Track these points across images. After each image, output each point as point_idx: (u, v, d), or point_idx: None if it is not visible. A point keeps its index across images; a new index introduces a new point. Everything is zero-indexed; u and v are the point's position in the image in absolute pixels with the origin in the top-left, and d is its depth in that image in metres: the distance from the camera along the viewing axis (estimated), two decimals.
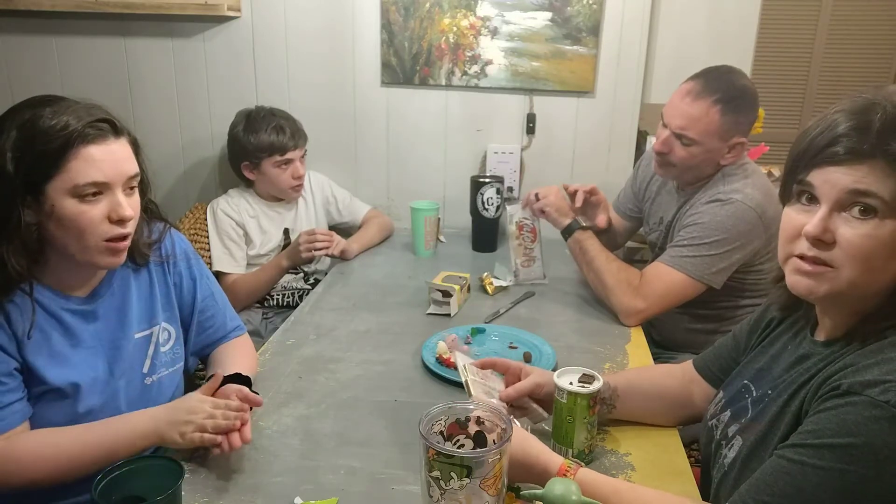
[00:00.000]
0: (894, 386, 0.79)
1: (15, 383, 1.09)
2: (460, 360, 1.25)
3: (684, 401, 1.25)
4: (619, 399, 1.24)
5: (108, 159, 1.08)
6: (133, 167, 1.13)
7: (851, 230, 0.84)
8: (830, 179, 0.85)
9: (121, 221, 1.11)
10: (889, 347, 0.84)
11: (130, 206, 1.12)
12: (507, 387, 1.23)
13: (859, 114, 0.85)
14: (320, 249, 2.07)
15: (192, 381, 1.47)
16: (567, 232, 1.84)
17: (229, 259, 2.13)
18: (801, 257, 0.88)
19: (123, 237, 1.13)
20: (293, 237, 2.22)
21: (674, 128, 1.66)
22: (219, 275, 2.11)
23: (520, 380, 1.23)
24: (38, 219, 1.07)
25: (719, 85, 1.63)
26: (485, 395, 1.17)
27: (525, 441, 1.00)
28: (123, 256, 1.16)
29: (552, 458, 0.99)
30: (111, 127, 1.10)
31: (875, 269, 0.85)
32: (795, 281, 0.90)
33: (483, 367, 1.27)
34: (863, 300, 0.89)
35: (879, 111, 0.84)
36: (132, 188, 1.14)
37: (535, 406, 1.22)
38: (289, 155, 2.15)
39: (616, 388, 1.23)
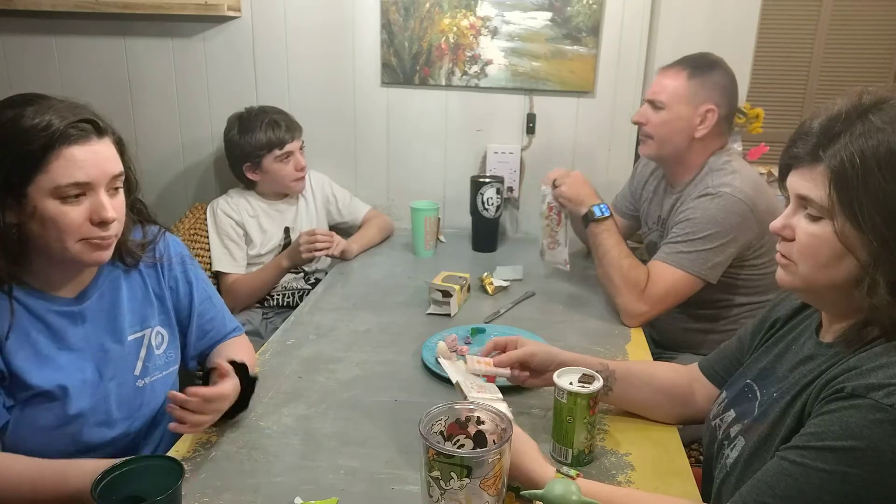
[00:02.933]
0: None
1: None
2: (445, 365, 1.26)
3: (686, 398, 1.25)
4: (615, 381, 1.24)
5: (90, 159, 1.06)
6: (117, 167, 1.12)
7: (802, 228, 0.92)
8: (790, 181, 0.93)
9: (102, 223, 1.09)
10: (893, 350, 0.84)
11: (114, 207, 1.10)
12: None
13: (818, 121, 0.90)
14: (320, 250, 2.07)
15: (191, 377, 1.46)
16: (584, 222, 1.82)
17: (229, 259, 2.13)
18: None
19: (105, 238, 1.11)
20: (294, 236, 2.23)
21: (648, 96, 1.80)
22: (218, 275, 2.11)
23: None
24: (20, 219, 1.06)
25: (689, 59, 1.78)
26: (476, 390, 1.17)
27: (519, 454, 0.99)
28: (109, 252, 1.14)
29: (544, 474, 0.98)
30: (94, 127, 1.08)
31: (823, 265, 0.90)
32: (776, 271, 0.98)
33: (486, 352, 1.29)
34: (834, 298, 0.93)
35: (827, 119, 0.88)
36: (116, 188, 1.13)
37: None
38: (288, 147, 2.15)
39: (614, 371, 1.24)
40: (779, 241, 0.96)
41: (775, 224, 0.96)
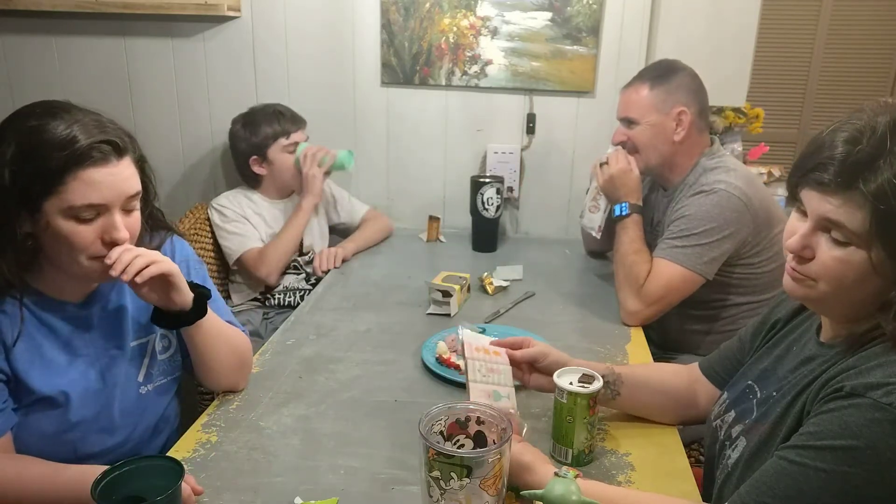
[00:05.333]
0: None
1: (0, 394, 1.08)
2: (466, 337, 1.23)
3: (688, 400, 1.25)
4: (623, 385, 1.23)
5: (107, 182, 1.05)
6: (134, 186, 1.10)
7: (827, 251, 0.87)
8: (812, 203, 0.88)
9: (114, 243, 1.08)
10: (892, 350, 0.84)
11: (128, 225, 1.09)
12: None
13: (846, 142, 0.84)
14: (320, 165, 2.15)
15: (192, 385, 1.46)
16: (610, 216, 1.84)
17: (245, 239, 2.13)
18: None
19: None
20: None
21: (619, 117, 1.84)
22: (241, 257, 2.12)
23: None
24: (33, 231, 1.06)
25: (647, 71, 1.82)
26: (484, 375, 1.16)
27: (517, 454, 0.98)
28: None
29: (545, 474, 0.97)
30: (114, 148, 1.06)
31: (847, 288, 0.87)
32: (784, 280, 0.96)
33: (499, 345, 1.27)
34: (847, 310, 0.91)
35: (863, 142, 0.82)
36: (131, 207, 1.11)
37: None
38: (294, 137, 2.18)
39: (620, 375, 1.24)
40: (791, 256, 0.92)
41: (793, 244, 0.91)
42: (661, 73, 1.78)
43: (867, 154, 0.82)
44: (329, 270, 2.11)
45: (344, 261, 2.15)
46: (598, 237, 1.96)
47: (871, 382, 0.81)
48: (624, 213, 1.78)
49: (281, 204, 2.26)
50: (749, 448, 0.97)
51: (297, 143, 2.19)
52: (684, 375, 1.29)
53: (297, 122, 2.21)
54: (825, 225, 0.87)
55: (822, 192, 0.86)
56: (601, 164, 1.86)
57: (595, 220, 1.94)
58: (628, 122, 1.81)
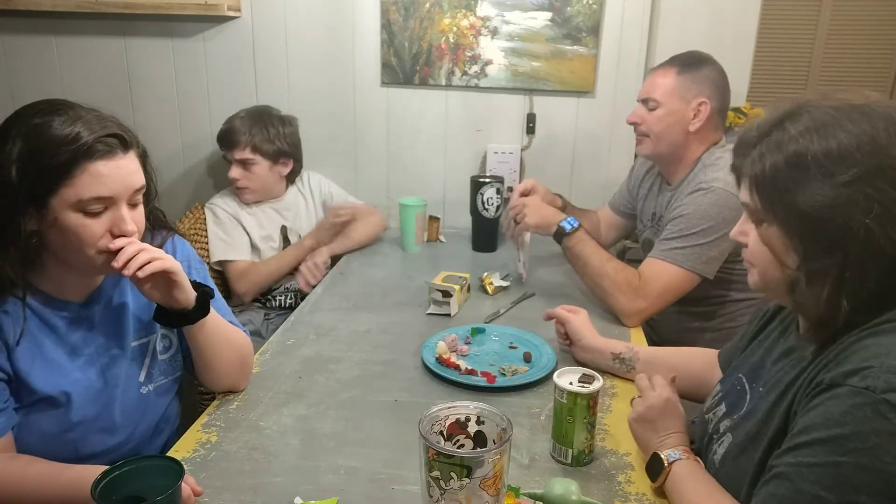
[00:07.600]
0: (872, 371, 0.79)
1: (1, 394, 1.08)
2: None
3: (705, 382, 1.27)
4: (639, 362, 1.31)
5: (114, 174, 1.06)
6: (139, 180, 1.11)
7: (751, 235, 0.96)
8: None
9: (122, 236, 1.08)
10: (867, 337, 0.85)
11: (134, 219, 1.10)
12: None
13: (749, 129, 0.94)
14: (343, 221, 2.19)
15: (192, 385, 1.46)
16: (557, 239, 1.83)
17: (230, 247, 2.13)
18: None
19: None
20: (292, 237, 2.23)
21: (641, 96, 1.82)
22: (223, 265, 2.12)
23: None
24: (39, 227, 1.06)
25: (678, 57, 1.81)
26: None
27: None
28: None
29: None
30: (120, 142, 1.07)
31: (767, 266, 0.93)
32: None
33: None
34: (788, 301, 0.95)
35: (752, 127, 0.92)
36: (137, 201, 1.12)
37: None
38: (233, 154, 2.16)
39: (638, 352, 1.28)
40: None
41: (733, 231, 1.01)
42: (691, 61, 1.78)
43: (753, 139, 0.91)
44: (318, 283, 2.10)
45: (325, 264, 2.14)
46: (523, 280, 1.95)
47: (846, 370, 0.81)
48: (575, 226, 1.78)
49: (273, 203, 2.25)
50: (735, 445, 0.97)
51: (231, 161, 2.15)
52: (709, 357, 1.31)
53: (232, 142, 2.13)
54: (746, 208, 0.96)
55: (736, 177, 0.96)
56: (515, 217, 1.86)
57: (519, 268, 1.96)
58: (647, 103, 1.79)
